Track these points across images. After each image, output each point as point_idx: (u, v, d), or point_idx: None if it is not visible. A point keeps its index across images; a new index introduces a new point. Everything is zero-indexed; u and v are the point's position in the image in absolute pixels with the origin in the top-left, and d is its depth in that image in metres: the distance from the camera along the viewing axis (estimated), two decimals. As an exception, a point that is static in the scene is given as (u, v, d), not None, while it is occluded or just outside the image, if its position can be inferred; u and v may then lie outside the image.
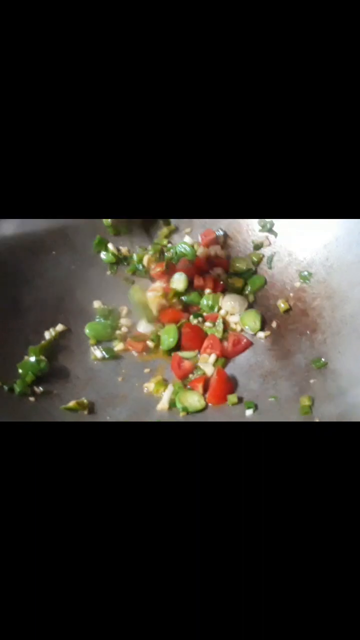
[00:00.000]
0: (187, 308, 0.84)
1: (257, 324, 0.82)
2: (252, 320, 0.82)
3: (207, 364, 0.79)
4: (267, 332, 0.81)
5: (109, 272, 0.87)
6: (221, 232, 0.88)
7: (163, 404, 0.75)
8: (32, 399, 0.74)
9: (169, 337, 0.80)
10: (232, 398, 0.75)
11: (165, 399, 0.76)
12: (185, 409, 0.74)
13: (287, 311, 0.82)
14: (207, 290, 0.85)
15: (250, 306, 0.84)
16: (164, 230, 0.89)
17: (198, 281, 0.85)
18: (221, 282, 0.85)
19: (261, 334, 0.81)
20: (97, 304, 0.84)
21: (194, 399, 0.75)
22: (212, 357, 0.79)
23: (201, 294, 0.85)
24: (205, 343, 0.81)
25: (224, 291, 0.85)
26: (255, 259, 0.87)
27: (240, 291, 0.85)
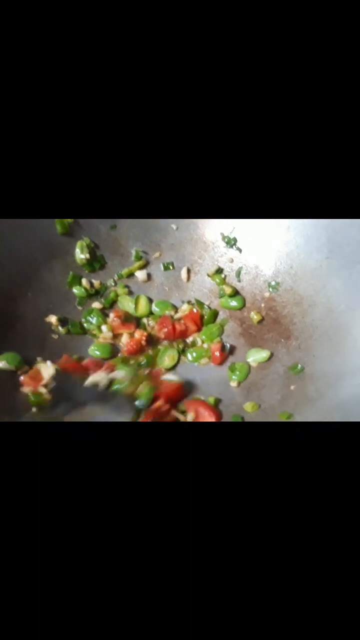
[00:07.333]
0: None
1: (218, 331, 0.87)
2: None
3: None
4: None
5: (78, 306, 0.88)
6: (185, 269, 0.92)
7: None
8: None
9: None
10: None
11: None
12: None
13: (260, 321, 0.86)
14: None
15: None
16: (135, 265, 0.91)
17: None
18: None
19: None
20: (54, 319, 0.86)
21: None
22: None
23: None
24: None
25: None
26: (227, 291, 0.89)
27: None
